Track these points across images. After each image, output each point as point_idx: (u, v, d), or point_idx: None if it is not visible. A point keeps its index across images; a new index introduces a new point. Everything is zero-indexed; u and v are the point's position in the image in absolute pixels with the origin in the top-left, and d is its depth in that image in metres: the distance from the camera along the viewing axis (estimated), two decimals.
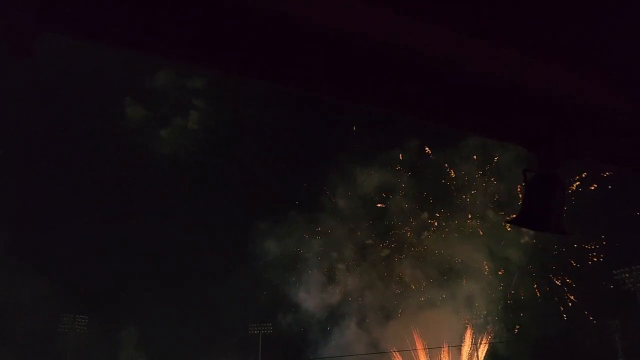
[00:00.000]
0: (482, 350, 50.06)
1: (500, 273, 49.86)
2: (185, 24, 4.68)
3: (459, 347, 49.27)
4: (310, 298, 55.14)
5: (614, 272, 46.34)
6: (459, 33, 4.81)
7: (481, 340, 50.60)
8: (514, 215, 7.23)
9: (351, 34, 4.60)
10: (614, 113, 5.79)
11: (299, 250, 55.99)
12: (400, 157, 53.80)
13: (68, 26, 4.77)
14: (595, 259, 46.85)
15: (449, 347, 48.36)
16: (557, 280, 48.35)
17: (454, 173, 52.75)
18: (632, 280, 45.77)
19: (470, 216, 51.52)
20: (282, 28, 4.55)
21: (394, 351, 48.27)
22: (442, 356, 49.19)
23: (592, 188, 46.50)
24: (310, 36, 4.68)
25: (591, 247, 47.23)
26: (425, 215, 53.83)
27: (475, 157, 51.11)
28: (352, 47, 4.86)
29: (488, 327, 50.80)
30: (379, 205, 54.91)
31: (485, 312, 50.95)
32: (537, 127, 6.52)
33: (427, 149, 52.09)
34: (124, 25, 4.71)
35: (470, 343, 50.24)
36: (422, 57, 4.96)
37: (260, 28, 4.63)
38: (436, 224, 53.06)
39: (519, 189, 48.58)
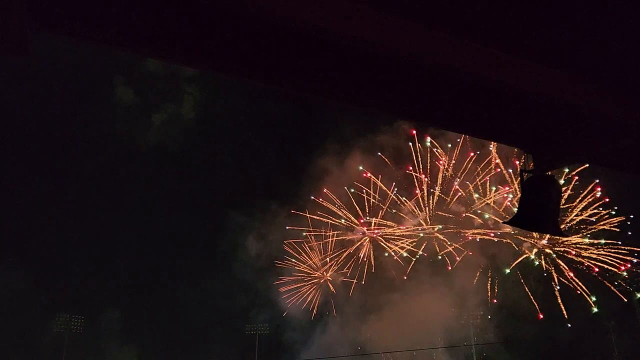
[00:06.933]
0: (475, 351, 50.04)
1: (491, 271, 49.83)
2: (180, 25, 4.69)
3: (451, 348, 49.21)
4: (293, 295, 54.83)
5: (609, 272, 46.57)
6: (457, 37, 4.84)
7: (475, 340, 50.57)
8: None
9: (348, 37, 4.61)
10: (607, 116, 5.85)
11: (282, 245, 55.43)
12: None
13: (63, 27, 4.77)
14: (592, 260, 47.03)
15: (440, 348, 48.25)
16: (553, 280, 48.48)
17: (443, 158, 52.34)
18: (628, 280, 46.04)
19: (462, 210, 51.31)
20: (277, 30, 4.56)
21: (385, 352, 48.13)
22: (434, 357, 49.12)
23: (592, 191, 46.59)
24: (305, 39, 4.69)
25: (588, 247, 47.42)
26: (413, 203, 53.40)
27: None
28: (349, 50, 4.88)
29: (481, 326, 50.83)
30: (362, 195, 54.43)
31: (481, 312, 50.94)
32: (533, 130, 6.56)
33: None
34: (119, 27, 4.71)
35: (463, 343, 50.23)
36: (420, 61, 4.99)
37: (254, 30, 4.64)
38: (426, 210, 52.75)
39: (510, 178, 48.63)
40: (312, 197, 53.88)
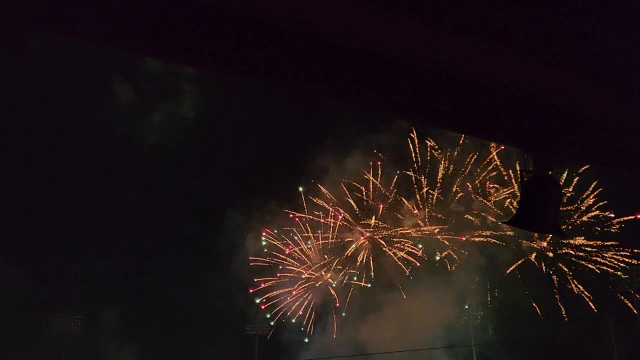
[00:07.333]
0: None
1: (491, 270, 49.71)
2: (180, 25, 4.68)
3: (450, 349, 49.12)
4: (291, 295, 54.72)
5: (610, 271, 46.58)
6: (457, 37, 4.83)
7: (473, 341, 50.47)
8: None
9: (348, 37, 4.61)
10: (607, 116, 5.84)
11: (280, 244, 55.37)
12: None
13: (63, 27, 4.76)
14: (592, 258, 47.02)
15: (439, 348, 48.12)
16: (553, 280, 48.46)
17: (441, 157, 52.17)
18: (628, 280, 46.01)
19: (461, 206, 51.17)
20: (276, 30, 4.56)
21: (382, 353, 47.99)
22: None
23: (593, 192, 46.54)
24: (305, 39, 4.69)
25: (587, 246, 47.42)
26: (413, 203, 53.25)
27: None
28: (349, 50, 4.87)
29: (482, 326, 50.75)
30: (361, 194, 54.30)
31: (481, 312, 50.88)
32: (533, 130, 6.55)
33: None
34: (119, 27, 4.71)
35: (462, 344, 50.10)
36: (420, 60, 4.98)
37: (254, 30, 4.64)
38: (425, 212, 52.59)
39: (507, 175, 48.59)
40: (311, 197, 54.06)
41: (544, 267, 48.66)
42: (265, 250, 55.08)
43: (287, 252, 54.75)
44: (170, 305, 55.96)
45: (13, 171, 49.62)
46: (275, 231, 54.94)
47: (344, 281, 53.73)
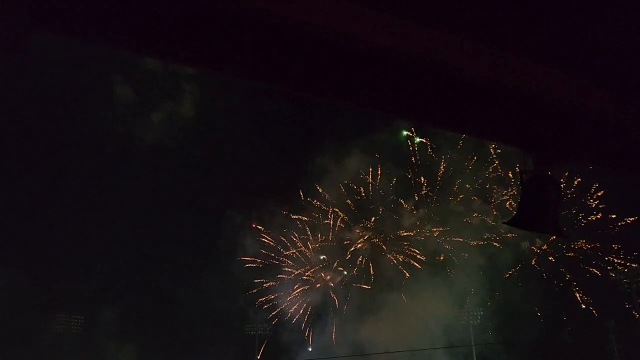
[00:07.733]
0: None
1: (490, 271, 49.65)
2: (180, 25, 4.68)
3: (450, 349, 49.04)
4: (290, 296, 54.65)
5: (610, 272, 46.55)
6: (457, 37, 4.83)
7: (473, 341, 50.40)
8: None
9: (348, 37, 4.61)
10: (607, 116, 5.84)
11: (279, 246, 55.31)
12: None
13: (63, 26, 4.76)
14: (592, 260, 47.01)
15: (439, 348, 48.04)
16: (553, 280, 48.44)
17: (440, 157, 52.04)
18: (627, 280, 45.99)
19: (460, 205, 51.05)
20: (276, 30, 4.56)
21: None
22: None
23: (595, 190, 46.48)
24: (305, 39, 4.69)
25: (587, 247, 47.40)
26: (412, 205, 53.13)
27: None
28: (349, 50, 4.87)
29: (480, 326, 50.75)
30: (360, 195, 54.18)
31: (481, 312, 50.85)
32: (533, 130, 6.56)
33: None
34: (119, 26, 4.71)
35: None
36: (420, 60, 4.98)
37: (254, 30, 4.64)
38: (425, 213, 52.47)
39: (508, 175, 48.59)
40: (310, 199, 54.03)
41: (544, 269, 48.65)
42: (264, 251, 55.07)
43: (283, 254, 54.77)
44: (169, 305, 55.95)
45: (13, 171, 49.59)
46: (271, 232, 54.90)
47: (344, 282, 53.68)
